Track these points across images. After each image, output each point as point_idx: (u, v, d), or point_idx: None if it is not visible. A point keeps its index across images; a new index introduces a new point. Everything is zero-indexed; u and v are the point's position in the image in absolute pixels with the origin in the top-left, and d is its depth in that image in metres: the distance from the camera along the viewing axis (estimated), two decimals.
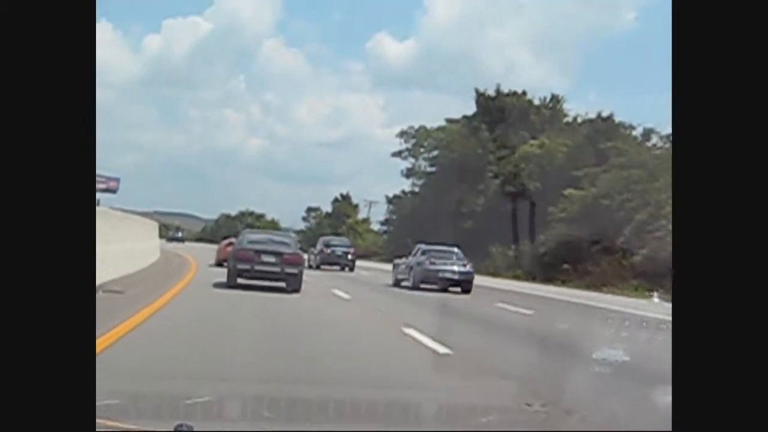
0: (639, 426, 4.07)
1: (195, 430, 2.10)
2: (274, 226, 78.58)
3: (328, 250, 34.56)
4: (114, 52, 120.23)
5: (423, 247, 23.70)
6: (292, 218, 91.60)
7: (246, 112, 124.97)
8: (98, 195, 69.92)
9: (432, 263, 21.95)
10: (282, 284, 15.89)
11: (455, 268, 21.94)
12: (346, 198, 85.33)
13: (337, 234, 46.75)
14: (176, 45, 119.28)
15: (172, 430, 2.08)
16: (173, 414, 4.32)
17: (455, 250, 23.48)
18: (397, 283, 23.46)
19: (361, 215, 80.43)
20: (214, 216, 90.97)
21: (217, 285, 16.32)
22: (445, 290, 20.97)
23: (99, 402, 1.93)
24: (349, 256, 34.28)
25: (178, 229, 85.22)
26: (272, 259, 15.96)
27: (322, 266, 33.13)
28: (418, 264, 22.31)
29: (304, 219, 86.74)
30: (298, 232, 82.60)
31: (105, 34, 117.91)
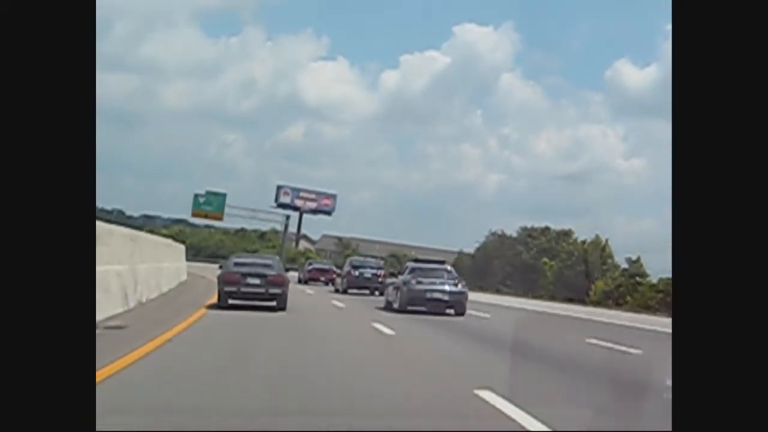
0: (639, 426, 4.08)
1: None
2: None
3: (356, 273, 31.59)
4: (351, 90, 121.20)
5: (411, 264, 21.57)
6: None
7: (483, 147, 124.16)
8: (307, 216, 63.62)
9: (419, 282, 19.62)
10: (272, 303, 16.97)
11: (446, 287, 19.55)
12: None
13: None
14: (413, 80, 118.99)
15: None
16: None
17: (447, 267, 21.36)
18: (388, 306, 20.92)
19: None
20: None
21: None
22: (441, 313, 18.78)
23: None
24: (380, 279, 30.66)
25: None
26: (257, 281, 17.09)
27: (349, 290, 30.67)
28: (405, 283, 19.88)
29: None
30: None
31: (342, 72, 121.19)
